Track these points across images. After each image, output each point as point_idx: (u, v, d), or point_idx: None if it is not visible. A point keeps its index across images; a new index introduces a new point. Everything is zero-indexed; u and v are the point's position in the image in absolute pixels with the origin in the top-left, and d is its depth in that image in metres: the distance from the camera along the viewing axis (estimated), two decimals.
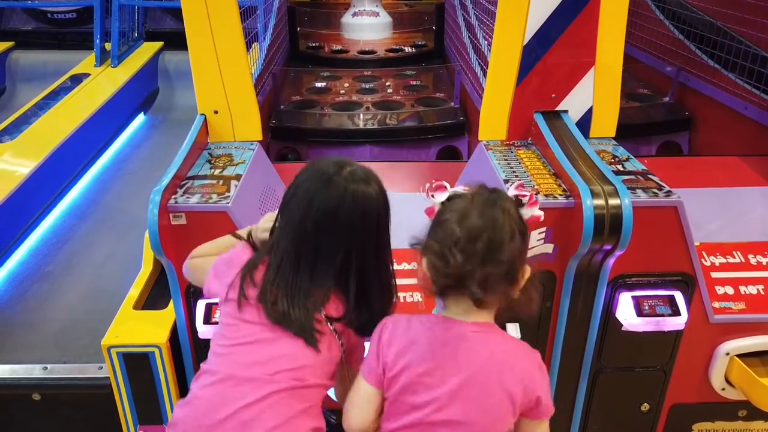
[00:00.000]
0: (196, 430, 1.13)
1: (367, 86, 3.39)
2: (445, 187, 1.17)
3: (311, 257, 1.19)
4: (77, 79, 3.63)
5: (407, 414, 1.13)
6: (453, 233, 1.08)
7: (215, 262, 1.30)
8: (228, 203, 1.58)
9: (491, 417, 1.11)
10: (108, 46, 3.87)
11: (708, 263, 1.77)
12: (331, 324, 1.20)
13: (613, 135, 1.95)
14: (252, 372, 1.14)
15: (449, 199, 1.15)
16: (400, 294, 1.72)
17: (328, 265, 1.19)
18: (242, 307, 1.19)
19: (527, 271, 1.14)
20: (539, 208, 1.18)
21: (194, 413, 1.15)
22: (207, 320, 1.65)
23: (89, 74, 3.69)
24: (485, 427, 1.11)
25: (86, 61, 3.84)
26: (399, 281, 1.76)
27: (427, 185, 1.18)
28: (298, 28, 4.06)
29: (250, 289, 1.20)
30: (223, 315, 1.24)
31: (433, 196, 1.18)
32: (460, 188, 1.17)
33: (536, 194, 1.22)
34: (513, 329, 1.64)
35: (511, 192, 1.17)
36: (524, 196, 1.16)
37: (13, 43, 4.22)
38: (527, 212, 1.16)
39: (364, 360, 1.21)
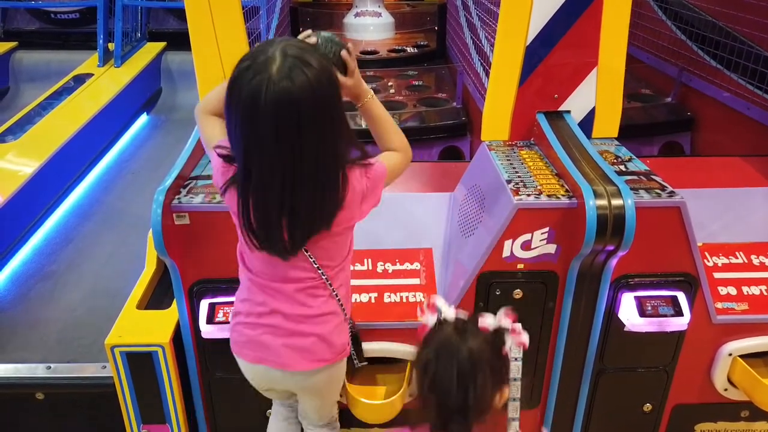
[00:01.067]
0: (248, 317, 1.38)
1: (370, 86, 3.39)
2: (437, 309, 1.21)
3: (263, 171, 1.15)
4: (80, 79, 3.64)
5: None
6: (428, 379, 1.13)
7: (216, 151, 1.28)
8: None
9: None
10: (111, 46, 3.88)
11: (711, 264, 1.77)
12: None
13: (616, 135, 1.95)
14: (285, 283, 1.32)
15: (437, 324, 1.20)
16: (402, 294, 1.73)
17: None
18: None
19: (505, 394, 1.21)
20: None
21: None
22: (210, 320, 1.65)
23: (92, 74, 3.71)
24: None
25: (89, 61, 3.86)
26: (398, 281, 1.77)
27: (426, 302, 1.24)
28: (301, 29, 4.05)
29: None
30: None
31: (425, 314, 1.22)
32: (448, 312, 1.21)
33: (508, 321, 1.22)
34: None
35: (499, 320, 1.21)
36: (507, 327, 1.20)
37: (16, 43, 4.24)
38: (509, 341, 1.20)
39: None
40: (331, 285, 1.35)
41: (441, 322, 1.19)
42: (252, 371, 1.44)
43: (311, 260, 1.30)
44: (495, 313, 1.22)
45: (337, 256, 1.35)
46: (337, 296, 1.37)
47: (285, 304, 1.34)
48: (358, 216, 1.31)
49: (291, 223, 1.20)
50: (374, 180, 1.31)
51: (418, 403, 1.18)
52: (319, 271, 1.32)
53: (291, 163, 1.13)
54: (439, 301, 1.23)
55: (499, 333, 1.20)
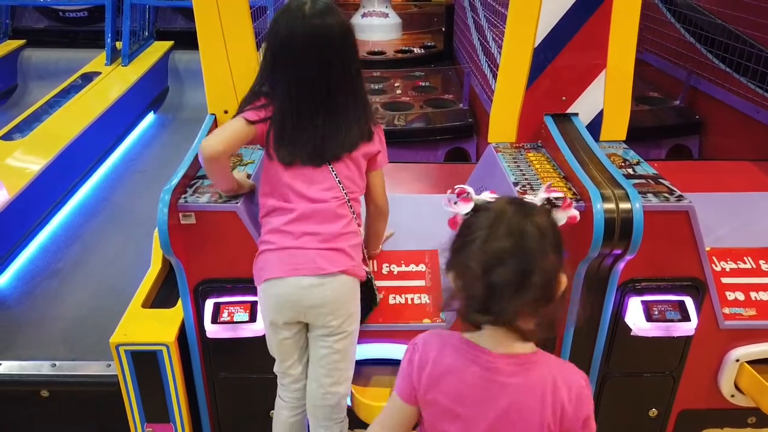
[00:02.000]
0: (281, 238, 1.49)
1: (376, 87, 3.39)
2: (470, 197, 1.07)
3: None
4: (88, 78, 3.65)
5: None
6: (482, 259, 0.98)
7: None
8: (237, 203, 1.58)
9: None
10: (119, 44, 3.89)
11: (718, 268, 1.76)
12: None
13: (624, 138, 1.94)
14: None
15: (475, 210, 1.05)
16: (407, 296, 1.73)
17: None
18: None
19: (563, 282, 1.04)
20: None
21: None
22: (215, 319, 1.65)
23: (100, 73, 3.72)
24: None
25: (97, 60, 3.87)
26: (404, 283, 1.77)
27: (449, 192, 1.10)
28: None
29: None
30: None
31: (455, 203, 1.07)
32: (485, 196, 1.07)
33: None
34: None
35: (541, 195, 1.07)
36: (557, 199, 1.07)
37: (25, 41, 4.26)
38: (562, 217, 1.06)
39: (399, 377, 1.14)
40: (351, 208, 1.51)
41: (480, 208, 1.04)
42: (280, 293, 1.48)
43: (336, 179, 1.48)
44: None
45: (355, 184, 1.52)
46: (356, 219, 1.54)
47: (314, 223, 1.47)
48: (378, 148, 1.53)
49: (325, 130, 1.45)
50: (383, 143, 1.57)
51: (456, 302, 1.04)
52: (343, 191, 1.49)
53: (325, 77, 1.41)
54: (468, 188, 1.09)
55: (552, 206, 1.06)
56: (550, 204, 1.07)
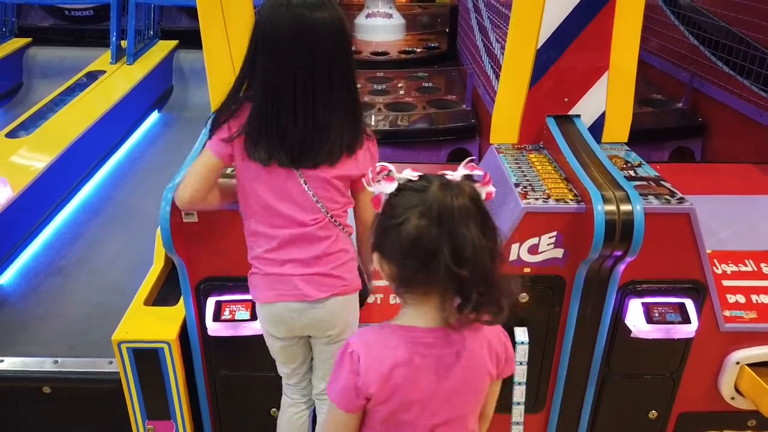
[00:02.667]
0: (266, 265, 1.46)
1: (380, 87, 3.40)
2: (392, 175, 1.06)
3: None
4: (93, 76, 3.67)
5: (400, 427, 1.10)
6: (409, 240, 0.98)
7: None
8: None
9: (478, 399, 1.13)
10: (124, 43, 3.91)
11: (719, 271, 1.76)
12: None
13: (626, 140, 1.94)
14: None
15: (399, 189, 1.04)
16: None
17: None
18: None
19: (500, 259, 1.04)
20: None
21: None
22: (216, 317, 1.66)
23: (105, 71, 3.73)
24: (473, 408, 1.14)
25: (102, 58, 3.89)
26: None
27: (370, 170, 1.07)
28: None
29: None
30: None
31: (379, 182, 1.06)
32: (407, 174, 1.05)
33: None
34: (521, 333, 1.64)
35: (461, 171, 1.05)
36: (478, 175, 1.06)
37: (30, 39, 4.28)
38: (481, 192, 1.05)
39: (337, 391, 1.10)
40: (339, 224, 1.45)
41: (403, 187, 1.04)
42: (273, 314, 1.48)
43: (313, 198, 1.40)
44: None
45: (336, 202, 1.44)
46: (346, 232, 1.47)
47: (296, 249, 1.42)
48: (359, 172, 1.40)
49: (305, 131, 1.34)
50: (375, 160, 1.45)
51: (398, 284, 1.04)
52: (323, 211, 1.41)
53: (309, 71, 1.31)
54: (390, 166, 1.08)
55: (472, 182, 1.05)
56: (471, 180, 1.05)
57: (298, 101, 1.32)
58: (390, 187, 1.04)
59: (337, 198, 1.43)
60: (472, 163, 1.06)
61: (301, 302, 1.44)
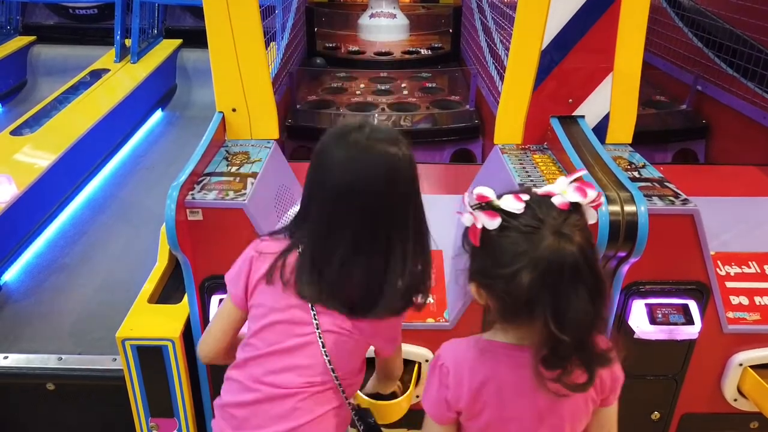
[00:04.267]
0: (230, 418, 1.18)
1: (383, 87, 3.40)
2: (493, 209, 0.95)
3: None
4: (97, 75, 3.68)
5: None
6: (520, 294, 0.92)
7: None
8: (244, 200, 1.59)
9: (576, 422, 1.08)
10: (128, 42, 3.91)
11: (723, 273, 1.76)
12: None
13: (630, 141, 1.94)
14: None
15: (503, 228, 0.95)
16: None
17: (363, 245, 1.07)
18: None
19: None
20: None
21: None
22: None
23: (109, 70, 3.74)
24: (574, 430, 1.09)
25: (106, 57, 3.89)
26: None
27: (466, 196, 0.98)
28: (316, 29, 4.08)
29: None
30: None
31: (475, 210, 0.97)
32: (509, 202, 0.95)
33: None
34: None
35: (571, 194, 0.95)
36: (586, 196, 0.96)
37: (35, 37, 4.29)
38: (590, 216, 0.97)
39: (429, 403, 1.09)
40: (344, 392, 1.18)
41: (508, 226, 0.93)
42: None
43: (322, 349, 1.13)
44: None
45: (354, 360, 1.19)
46: (336, 413, 1.18)
47: (261, 418, 1.14)
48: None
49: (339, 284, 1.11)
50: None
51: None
52: (332, 372, 1.14)
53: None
54: (487, 192, 0.97)
55: (581, 211, 0.95)
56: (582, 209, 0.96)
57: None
58: (492, 224, 0.95)
59: (353, 358, 1.18)
60: (583, 179, 0.96)
61: None
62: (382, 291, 1.10)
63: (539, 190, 0.98)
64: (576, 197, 0.95)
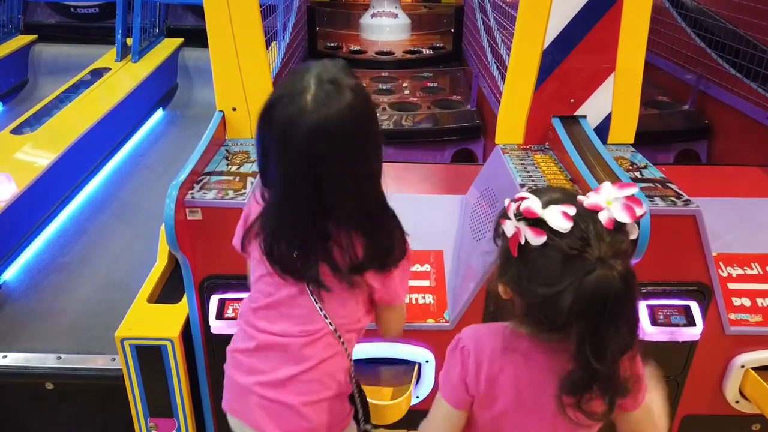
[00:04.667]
0: (237, 366, 1.23)
1: (384, 87, 3.40)
2: (539, 226, 0.91)
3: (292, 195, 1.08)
4: (98, 74, 3.67)
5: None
6: (558, 314, 0.90)
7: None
8: (244, 200, 1.59)
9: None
10: (129, 41, 3.91)
11: (725, 274, 1.75)
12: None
13: (632, 142, 1.93)
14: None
15: (546, 245, 0.92)
16: (411, 296, 1.73)
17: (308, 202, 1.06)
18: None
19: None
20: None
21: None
22: (220, 315, 1.66)
23: (110, 69, 3.74)
24: None
25: (107, 56, 3.89)
26: (409, 282, 1.76)
27: (510, 201, 0.96)
28: (317, 28, 4.08)
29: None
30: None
31: (520, 221, 0.93)
32: (555, 220, 0.91)
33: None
34: None
35: (618, 212, 0.91)
36: (635, 218, 0.92)
37: (36, 36, 4.28)
38: (633, 231, 0.94)
39: (447, 385, 1.09)
40: (342, 341, 1.20)
41: (552, 244, 0.89)
42: (230, 423, 1.27)
43: (317, 305, 1.16)
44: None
45: (350, 314, 1.20)
46: (342, 359, 1.21)
47: (265, 361, 1.19)
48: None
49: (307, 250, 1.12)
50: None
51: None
52: (327, 321, 1.17)
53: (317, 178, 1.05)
54: (534, 205, 0.92)
55: (626, 229, 0.91)
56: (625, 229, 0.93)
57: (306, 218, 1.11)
58: (536, 242, 0.91)
59: (352, 308, 1.20)
60: (634, 191, 0.92)
61: (253, 430, 1.21)
62: (363, 249, 1.11)
63: (585, 201, 0.93)
64: (624, 217, 0.91)
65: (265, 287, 1.21)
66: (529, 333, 1.01)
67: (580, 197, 0.94)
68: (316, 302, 1.16)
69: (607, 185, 0.94)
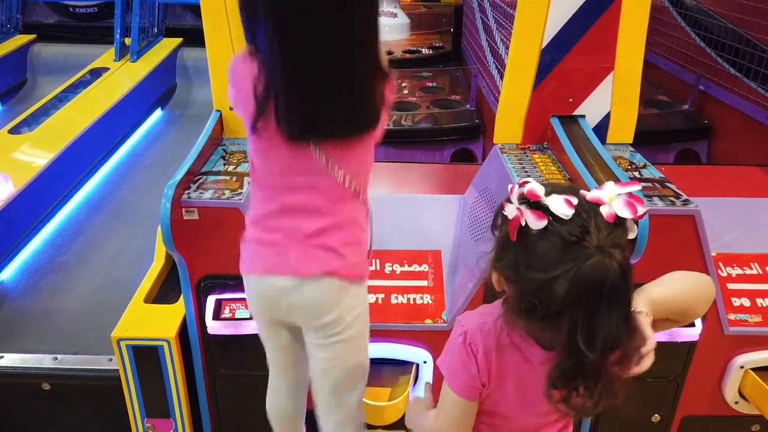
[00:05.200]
0: (263, 229, 1.28)
1: None
2: (542, 209, 0.91)
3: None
4: (97, 73, 3.67)
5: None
6: (551, 302, 0.89)
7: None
8: (240, 200, 1.58)
9: None
10: (128, 41, 3.90)
11: (724, 274, 1.75)
12: None
13: (631, 141, 1.93)
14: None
15: (545, 230, 0.91)
16: (409, 296, 1.72)
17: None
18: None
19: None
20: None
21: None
22: (216, 316, 1.66)
23: (108, 68, 3.73)
24: None
25: (106, 56, 3.88)
26: (406, 283, 1.76)
27: (516, 186, 0.95)
28: None
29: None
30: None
31: (523, 205, 0.93)
32: (557, 206, 0.90)
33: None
34: None
35: (620, 207, 0.91)
36: (636, 213, 0.91)
37: (35, 35, 4.28)
38: (632, 231, 0.93)
39: (457, 379, 1.08)
40: (359, 195, 1.26)
41: (552, 229, 0.89)
42: (260, 290, 1.32)
43: (326, 163, 1.19)
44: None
45: (362, 168, 1.26)
46: (362, 211, 1.28)
47: (297, 218, 1.24)
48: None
49: (315, 104, 1.15)
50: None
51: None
52: (342, 179, 1.21)
53: (330, 34, 1.09)
54: (538, 189, 0.92)
55: (626, 225, 0.91)
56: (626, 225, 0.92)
57: (308, 71, 1.14)
58: (537, 225, 0.91)
59: (361, 169, 1.25)
60: (636, 189, 0.92)
61: (290, 278, 1.25)
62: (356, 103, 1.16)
63: (588, 195, 0.93)
64: (625, 213, 0.91)
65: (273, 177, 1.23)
66: (522, 326, 1.01)
67: (583, 191, 0.95)
68: (326, 161, 1.19)
69: (610, 183, 0.95)
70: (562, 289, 0.88)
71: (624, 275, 0.89)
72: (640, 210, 0.91)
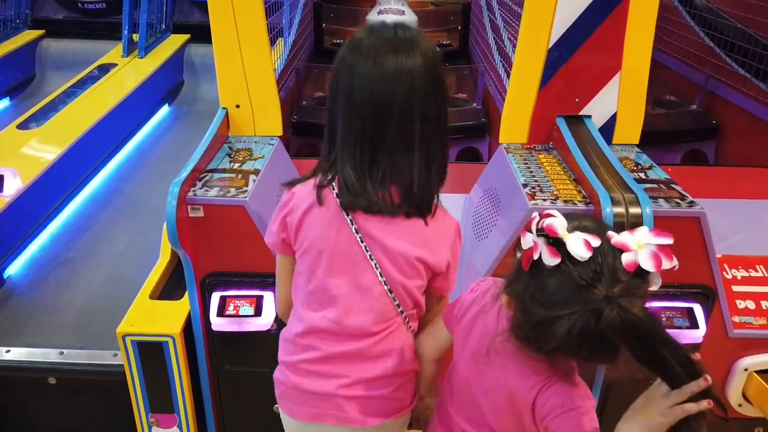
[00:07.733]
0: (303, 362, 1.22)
1: None
2: (557, 247, 0.89)
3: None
4: (104, 69, 3.68)
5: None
6: (554, 339, 0.89)
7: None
8: (246, 198, 1.59)
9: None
10: (136, 37, 3.92)
11: (729, 276, 1.73)
12: None
13: (637, 142, 1.92)
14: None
15: (557, 268, 0.89)
16: None
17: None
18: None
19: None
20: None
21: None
22: (220, 312, 1.66)
23: (116, 64, 3.74)
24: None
25: (114, 51, 3.90)
26: None
27: (536, 221, 0.92)
28: (324, 24, 4.07)
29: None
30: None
31: (539, 237, 0.91)
32: (576, 246, 0.87)
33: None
34: None
35: (644, 258, 0.87)
36: (659, 268, 0.88)
37: (43, 31, 4.30)
38: (655, 282, 0.90)
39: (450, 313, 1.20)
40: (410, 327, 1.22)
41: (564, 269, 0.87)
42: (299, 429, 1.26)
43: (385, 287, 1.15)
44: None
45: (412, 296, 1.19)
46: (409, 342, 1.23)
47: (345, 365, 1.19)
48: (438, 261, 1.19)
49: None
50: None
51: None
52: (398, 309, 1.18)
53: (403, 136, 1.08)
54: (560, 225, 0.89)
55: (648, 278, 0.88)
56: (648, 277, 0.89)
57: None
58: (550, 262, 0.88)
59: (413, 289, 1.19)
60: (666, 240, 0.87)
61: (342, 426, 1.20)
62: (426, 186, 1.13)
63: (614, 238, 0.89)
64: (648, 265, 0.87)
65: (314, 284, 1.18)
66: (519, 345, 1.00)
67: (610, 233, 0.91)
68: (383, 281, 1.15)
69: (643, 229, 0.90)
70: (561, 331, 0.87)
71: (627, 329, 0.86)
72: (666, 265, 0.87)
